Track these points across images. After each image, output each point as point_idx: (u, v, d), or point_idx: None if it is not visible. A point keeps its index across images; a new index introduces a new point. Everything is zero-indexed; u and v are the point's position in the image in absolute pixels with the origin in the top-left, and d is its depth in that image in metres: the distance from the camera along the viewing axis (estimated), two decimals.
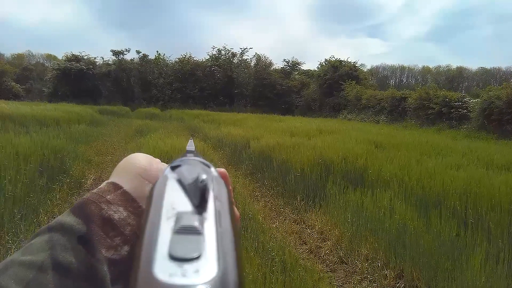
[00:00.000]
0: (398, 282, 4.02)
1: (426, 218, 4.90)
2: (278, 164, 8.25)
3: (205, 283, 0.25)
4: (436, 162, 8.02)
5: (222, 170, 0.53)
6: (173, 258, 0.28)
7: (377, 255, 4.43)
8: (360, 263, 4.38)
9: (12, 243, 4.25)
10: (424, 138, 13.65)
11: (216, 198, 0.37)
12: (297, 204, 6.50)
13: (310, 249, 4.93)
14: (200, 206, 0.36)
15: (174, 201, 0.37)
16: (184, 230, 0.32)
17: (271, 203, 6.86)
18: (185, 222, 0.33)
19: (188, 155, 0.53)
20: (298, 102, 43.93)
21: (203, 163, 0.47)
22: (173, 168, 0.44)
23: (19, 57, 64.20)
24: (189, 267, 0.27)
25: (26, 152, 7.15)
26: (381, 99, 30.36)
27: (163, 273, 0.26)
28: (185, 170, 0.43)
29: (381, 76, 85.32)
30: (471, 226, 4.70)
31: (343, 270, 4.43)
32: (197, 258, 0.28)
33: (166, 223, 0.33)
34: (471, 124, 21.32)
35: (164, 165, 0.58)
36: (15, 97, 43.10)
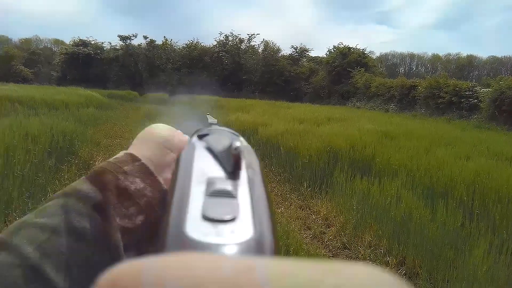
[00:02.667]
0: (400, 269, 4.05)
1: (432, 208, 4.90)
2: (286, 151, 8.26)
3: (242, 243, 0.25)
4: (445, 152, 7.98)
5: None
6: (207, 218, 0.27)
7: (381, 243, 4.45)
8: (363, 250, 4.41)
9: (19, 219, 4.32)
10: (434, 127, 13.59)
11: (248, 166, 0.36)
12: (303, 190, 6.52)
13: (314, 235, 4.96)
14: (233, 172, 0.35)
15: (205, 167, 0.36)
16: (217, 194, 0.31)
17: (278, 189, 6.88)
18: (218, 186, 0.32)
19: (213, 125, 0.53)
20: (306, 89, 43.78)
21: (232, 133, 0.48)
22: (200, 137, 0.45)
23: (26, 42, 64.32)
24: (224, 227, 0.26)
25: (35, 133, 7.21)
26: (391, 87, 30.14)
27: (196, 232, 0.25)
28: (214, 139, 0.43)
29: (390, 64, 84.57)
30: (477, 217, 4.70)
31: (346, 255, 4.46)
32: (232, 220, 0.27)
33: (197, 186, 0.32)
34: (482, 115, 21.13)
35: (187, 136, 0.57)
36: (24, 80, 43.33)
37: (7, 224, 4.17)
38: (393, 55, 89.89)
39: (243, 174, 0.35)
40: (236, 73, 45.70)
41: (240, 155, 0.37)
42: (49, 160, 6.25)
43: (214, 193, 0.31)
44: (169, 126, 0.57)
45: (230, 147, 0.38)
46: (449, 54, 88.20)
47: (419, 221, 4.50)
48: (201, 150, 0.41)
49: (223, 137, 0.43)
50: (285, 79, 44.53)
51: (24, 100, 13.88)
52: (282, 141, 8.79)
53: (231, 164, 0.36)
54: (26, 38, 66.57)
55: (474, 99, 22.58)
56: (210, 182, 0.33)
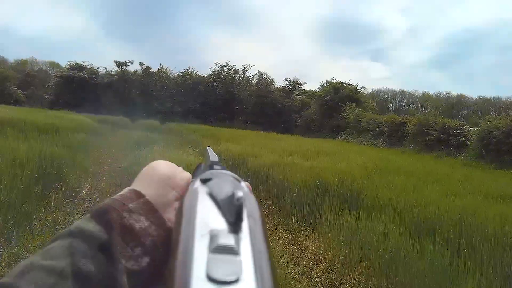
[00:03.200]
0: None
1: (420, 245, 4.89)
2: (275, 183, 8.25)
3: None
4: (433, 189, 8.03)
5: (246, 183, 0.55)
6: (211, 279, 0.27)
7: (369, 281, 4.41)
8: None
9: (4, 249, 4.23)
10: (422, 164, 13.69)
11: (249, 216, 0.37)
12: (292, 224, 6.49)
13: (303, 271, 4.90)
14: (235, 224, 0.35)
15: (208, 217, 0.36)
16: (221, 249, 0.31)
17: (266, 222, 6.83)
18: (222, 241, 0.32)
19: (215, 166, 0.54)
20: (298, 122, 44.09)
21: (234, 177, 0.48)
22: (203, 181, 0.45)
23: (22, 63, 64.32)
24: None
25: (23, 158, 7.14)
26: (381, 123, 30.48)
27: None
28: (217, 184, 0.43)
29: (382, 100, 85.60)
30: (464, 256, 4.69)
31: None
32: (236, 281, 0.27)
33: (200, 240, 0.32)
34: (469, 153, 21.37)
35: (188, 174, 0.58)
36: (16, 102, 43.18)
37: None
38: (385, 92, 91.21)
39: (245, 225, 0.35)
40: (229, 103, 45.97)
41: (242, 206, 0.37)
42: (36, 187, 6.17)
43: (217, 249, 0.31)
44: (171, 163, 0.58)
45: (232, 197, 0.39)
46: (440, 93, 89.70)
47: (407, 258, 4.48)
48: (204, 197, 0.41)
49: (226, 184, 0.43)
50: (277, 110, 44.86)
51: (14, 123, 13.79)
52: (271, 173, 8.79)
53: (233, 215, 0.36)
54: (22, 60, 66.67)
55: (462, 137, 22.88)
56: (213, 235, 0.33)
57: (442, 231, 5.28)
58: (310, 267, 5.01)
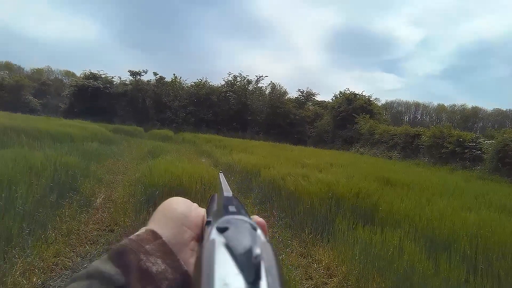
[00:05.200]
0: None
1: (435, 261, 4.82)
2: (288, 195, 8.21)
3: None
4: (448, 203, 7.92)
5: (261, 220, 0.53)
6: None
7: None
8: None
9: (19, 257, 4.26)
10: (437, 177, 13.53)
11: (268, 272, 0.36)
12: (305, 237, 6.44)
13: (316, 285, 4.84)
14: (253, 283, 0.35)
15: (226, 274, 0.36)
16: None
17: (279, 234, 6.79)
18: None
19: (229, 207, 0.53)
20: (310, 133, 44.01)
21: (250, 225, 0.47)
22: (220, 230, 0.44)
23: (38, 72, 65.22)
24: None
25: (39, 167, 7.22)
26: (395, 135, 30.29)
27: None
28: (234, 235, 0.43)
29: (395, 112, 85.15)
30: (481, 272, 4.61)
31: None
32: None
33: None
34: (485, 166, 21.08)
35: (202, 211, 0.58)
36: (32, 111, 43.80)
37: (6, 261, 4.11)
38: (399, 103, 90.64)
39: (263, 284, 0.35)
40: (242, 114, 46.07)
41: (260, 264, 0.37)
42: (51, 196, 6.22)
43: None
44: (185, 200, 0.58)
45: (250, 253, 0.38)
46: (454, 105, 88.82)
47: (422, 274, 4.41)
48: (221, 250, 0.40)
49: (243, 236, 0.42)
50: (290, 121, 44.85)
51: (30, 131, 13.97)
52: (284, 185, 8.75)
53: (251, 274, 0.36)
54: (38, 68, 67.51)
55: (477, 150, 22.60)
56: None
57: (458, 247, 5.20)
58: (323, 281, 4.96)
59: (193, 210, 0.56)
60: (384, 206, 7.02)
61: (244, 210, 0.52)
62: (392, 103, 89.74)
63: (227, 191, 0.62)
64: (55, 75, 68.54)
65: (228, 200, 0.57)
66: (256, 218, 0.53)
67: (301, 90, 51.78)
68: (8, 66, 60.39)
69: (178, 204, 0.56)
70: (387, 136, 31.07)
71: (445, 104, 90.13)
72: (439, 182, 11.70)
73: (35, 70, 65.95)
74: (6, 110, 32.56)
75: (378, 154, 29.61)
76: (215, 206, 0.59)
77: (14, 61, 67.64)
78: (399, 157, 27.74)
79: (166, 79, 49.28)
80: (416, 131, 29.31)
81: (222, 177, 0.75)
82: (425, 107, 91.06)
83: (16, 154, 7.91)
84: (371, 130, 33.58)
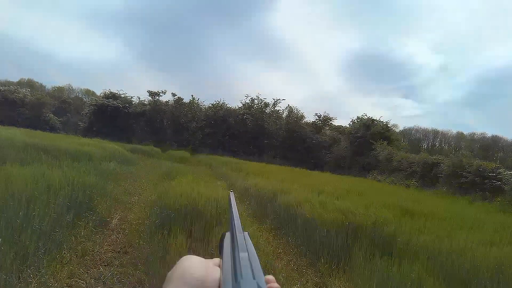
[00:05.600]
0: None
1: None
2: (304, 222, 8.11)
3: None
4: (467, 236, 7.73)
5: (271, 278, 0.53)
6: None
7: None
8: None
9: (33, 277, 4.25)
10: (456, 208, 13.27)
11: None
12: (321, 266, 6.31)
13: None
14: None
15: None
16: None
17: (294, 262, 6.69)
18: None
19: (241, 254, 0.51)
20: (327, 158, 43.75)
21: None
22: None
23: (59, 90, 66.41)
24: None
25: (57, 186, 7.27)
26: (413, 163, 29.93)
27: None
28: None
29: (413, 139, 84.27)
30: None
31: None
32: None
33: None
34: (506, 197, 20.59)
35: (217, 272, 0.57)
36: (52, 129, 44.58)
37: (21, 280, 4.11)
38: (417, 130, 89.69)
39: None
40: (259, 137, 46.14)
41: None
42: (68, 215, 6.24)
43: None
44: (201, 260, 0.58)
45: None
46: (474, 133, 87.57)
47: None
48: None
49: None
50: (307, 146, 44.73)
51: (49, 149, 14.15)
52: (300, 211, 8.66)
53: None
54: (59, 86, 68.73)
55: (498, 181, 22.12)
56: None
57: (479, 283, 5.04)
58: None
59: (210, 274, 0.55)
60: (402, 237, 6.88)
61: (257, 264, 0.50)
62: (410, 129, 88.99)
63: (239, 230, 0.61)
64: (76, 94, 69.78)
65: (239, 235, 0.56)
66: (271, 282, 0.51)
67: (318, 115, 51.80)
68: (30, 84, 61.68)
69: (196, 268, 0.55)
70: (405, 163, 30.72)
71: (464, 132, 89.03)
72: (459, 213, 11.46)
73: (56, 88, 67.24)
74: (26, 127, 33.22)
75: (396, 181, 29.21)
76: (226, 247, 0.58)
77: (36, 78, 69.02)
78: (417, 186, 27.31)
79: (184, 100, 49.87)
80: (434, 159, 28.92)
81: (232, 197, 0.74)
82: (443, 134, 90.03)
83: (35, 172, 7.99)
84: (389, 157, 33.26)
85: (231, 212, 0.69)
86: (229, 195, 0.77)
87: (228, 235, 0.65)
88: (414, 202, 12.76)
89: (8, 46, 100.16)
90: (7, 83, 52.06)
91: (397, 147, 37.18)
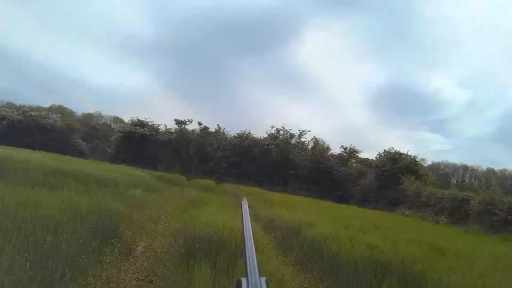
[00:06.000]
0: None
1: None
2: (330, 257, 7.92)
3: None
4: (502, 278, 7.40)
5: None
6: None
7: None
8: None
9: None
10: (488, 247, 12.79)
11: None
12: None
13: None
14: None
15: None
16: None
17: None
18: None
19: None
20: (354, 191, 43.11)
21: None
22: None
23: (88, 117, 67.84)
24: None
25: (84, 212, 7.34)
26: (442, 199, 29.17)
27: None
28: None
29: (442, 173, 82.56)
30: None
31: None
32: None
33: None
34: None
35: None
36: (80, 154, 45.47)
37: None
38: (446, 165, 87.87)
39: None
40: (284, 167, 45.93)
41: None
42: (94, 241, 6.25)
43: None
44: None
45: None
46: (505, 170, 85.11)
47: None
48: None
49: None
50: (332, 178, 44.24)
51: (77, 175, 14.38)
52: (326, 246, 8.48)
53: None
54: (89, 113, 70.27)
55: None
56: None
57: None
58: None
59: None
60: (432, 276, 6.63)
61: None
62: (439, 164, 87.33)
63: (254, 273, 0.57)
64: (105, 120, 71.13)
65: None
66: None
67: (344, 147, 51.26)
68: (61, 110, 63.23)
69: None
70: (434, 199, 29.97)
71: (495, 169, 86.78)
72: (491, 253, 11.03)
73: (85, 115, 68.76)
74: (56, 152, 34.00)
75: (424, 217, 28.45)
76: None
77: (67, 104, 70.82)
78: (447, 222, 26.52)
79: (210, 129, 50.26)
80: (464, 195, 28.15)
81: (245, 206, 0.69)
82: (473, 170, 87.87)
83: (63, 197, 8.10)
84: (417, 191, 32.55)
85: (243, 224, 0.64)
86: (241, 204, 0.72)
87: (244, 282, 0.61)
88: (444, 240, 12.39)
89: (41, 73, 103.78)
90: (39, 109, 53.54)
91: (426, 182, 36.36)
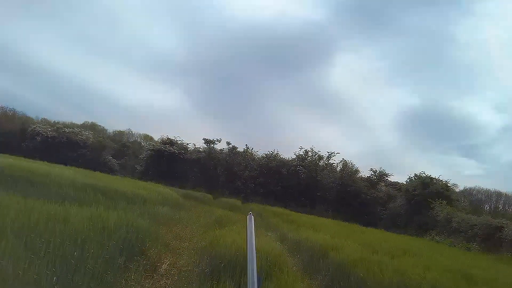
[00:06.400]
0: None
1: None
2: (357, 282, 7.74)
3: None
4: None
5: None
6: None
7: None
8: None
9: None
10: None
11: None
12: None
13: None
14: None
15: None
16: None
17: None
18: None
19: None
20: (382, 215, 42.31)
21: None
22: None
23: (119, 134, 69.07)
24: None
25: (112, 228, 7.41)
26: (474, 225, 28.25)
27: None
28: None
29: (475, 200, 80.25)
30: None
31: None
32: None
33: None
34: None
35: None
36: (110, 170, 46.21)
37: None
38: (478, 191, 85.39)
39: None
40: (311, 189, 45.54)
41: None
42: (120, 258, 6.29)
43: None
44: None
45: None
46: None
47: None
48: None
49: None
50: (361, 201, 43.56)
51: (107, 191, 14.60)
52: (353, 270, 8.29)
53: None
54: (120, 131, 71.62)
55: None
56: None
57: None
58: None
59: None
60: None
61: None
62: (471, 190, 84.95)
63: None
64: (135, 138, 72.25)
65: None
66: None
67: (374, 170, 50.53)
68: (93, 127, 64.69)
69: None
70: (466, 225, 29.07)
71: None
72: None
73: (117, 132, 70.08)
74: (87, 168, 34.71)
75: (455, 244, 27.58)
76: None
77: (99, 122, 72.46)
78: (479, 250, 25.64)
79: (238, 149, 50.47)
80: (498, 222, 27.21)
81: (251, 223, 0.66)
82: (507, 197, 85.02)
83: (92, 213, 8.21)
84: (448, 217, 31.66)
85: (247, 237, 0.61)
86: (247, 219, 0.69)
87: None
88: (475, 267, 11.96)
89: (76, 91, 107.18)
90: (72, 125, 54.93)
91: (457, 208, 35.37)
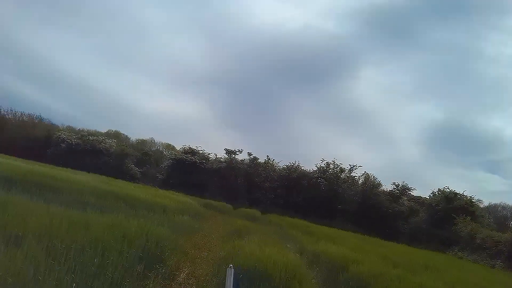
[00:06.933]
0: None
1: None
2: None
3: None
4: None
5: None
6: None
7: None
8: None
9: None
10: None
11: None
12: None
13: None
14: None
15: None
16: None
17: None
18: None
19: None
20: (404, 229, 41.62)
21: None
22: None
23: (142, 142, 69.67)
24: None
25: (132, 236, 7.44)
26: (499, 242, 27.55)
27: None
28: None
29: (500, 216, 78.34)
30: None
31: None
32: None
33: None
34: None
35: None
36: (132, 178, 46.64)
37: None
38: (504, 207, 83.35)
39: None
40: (332, 201, 45.13)
41: None
42: (139, 265, 6.31)
43: None
44: None
45: None
46: None
47: None
48: None
49: None
50: (382, 215, 42.94)
51: (128, 199, 14.74)
52: (373, 284, 8.14)
53: None
54: (143, 139, 72.33)
55: None
56: None
57: None
58: None
59: None
60: None
61: None
62: (496, 206, 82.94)
63: None
64: (157, 147, 72.78)
65: None
66: None
67: (396, 184, 49.81)
68: (116, 135, 65.43)
69: None
70: (490, 242, 28.36)
71: None
72: None
73: (140, 141, 70.75)
74: (109, 175, 35.14)
75: (479, 261, 26.92)
76: None
77: (123, 130, 73.30)
78: (503, 267, 24.96)
79: (259, 160, 50.45)
80: None
81: (230, 275, 0.63)
82: None
83: (113, 221, 8.27)
84: (472, 233, 30.96)
85: None
86: (227, 272, 0.66)
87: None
88: (500, 285, 11.64)
89: (101, 100, 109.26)
90: (96, 133, 55.71)
91: (482, 224, 34.56)
